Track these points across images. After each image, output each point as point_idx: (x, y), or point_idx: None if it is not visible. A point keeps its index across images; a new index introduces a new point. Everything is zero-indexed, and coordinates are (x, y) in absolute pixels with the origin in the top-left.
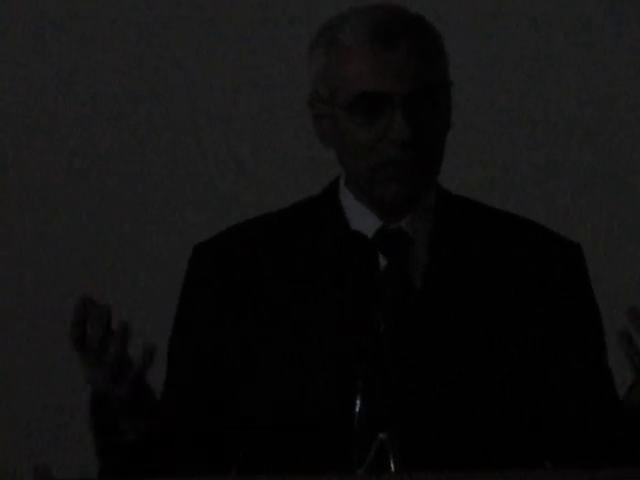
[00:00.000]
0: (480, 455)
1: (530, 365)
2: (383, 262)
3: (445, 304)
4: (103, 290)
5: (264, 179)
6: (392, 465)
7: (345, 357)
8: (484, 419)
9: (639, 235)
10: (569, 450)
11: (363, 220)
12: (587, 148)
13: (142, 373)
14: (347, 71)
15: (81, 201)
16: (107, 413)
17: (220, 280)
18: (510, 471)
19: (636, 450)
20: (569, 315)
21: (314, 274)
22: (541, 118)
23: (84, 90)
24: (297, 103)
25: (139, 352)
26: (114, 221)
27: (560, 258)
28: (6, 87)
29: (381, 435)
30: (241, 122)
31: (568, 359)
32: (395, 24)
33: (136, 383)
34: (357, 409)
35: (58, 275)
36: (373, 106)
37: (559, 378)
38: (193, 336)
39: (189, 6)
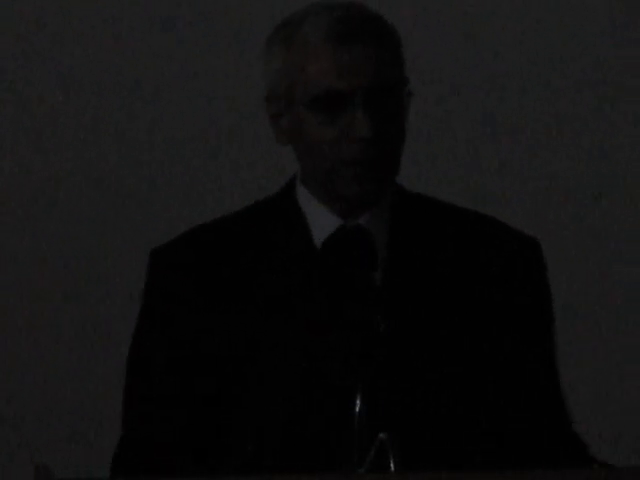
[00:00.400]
0: (473, 453)
1: (485, 362)
2: (342, 260)
3: (405, 301)
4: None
5: (266, 178)
6: (392, 465)
7: (345, 357)
8: (468, 416)
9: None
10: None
11: (322, 218)
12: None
13: None
14: (308, 68)
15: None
16: None
17: (184, 284)
18: (510, 471)
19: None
20: (523, 310)
21: (276, 274)
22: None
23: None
24: None
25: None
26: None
27: (518, 253)
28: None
29: (381, 435)
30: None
31: (518, 356)
32: (355, 22)
33: None
34: (357, 409)
35: (57, 277)
36: (335, 104)
37: (509, 376)
38: (166, 346)
39: (191, 6)
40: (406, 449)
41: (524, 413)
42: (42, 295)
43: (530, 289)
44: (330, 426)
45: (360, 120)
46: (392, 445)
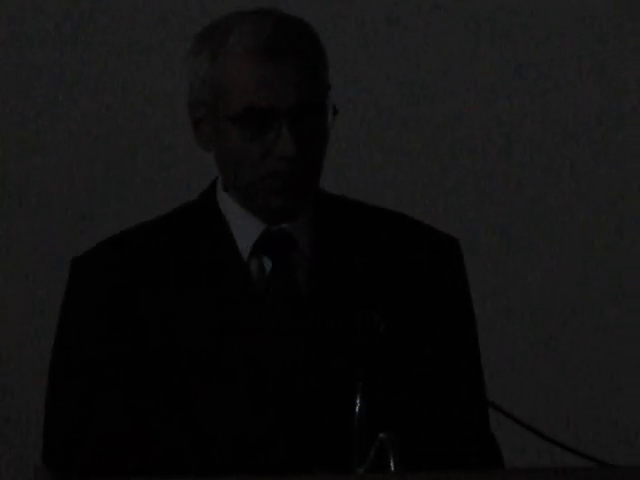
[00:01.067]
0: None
1: (411, 362)
2: (268, 264)
3: (331, 304)
4: None
5: None
6: (392, 465)
7: (344, 357)
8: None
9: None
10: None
11: (245, 224)
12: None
13: None
14: (233, 82)
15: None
16: None
17: (107, 292)
18: (510, 471)
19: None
20: (444, 309)
21: (201, 281)
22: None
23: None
24: None
25: None
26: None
27: (438, 253)
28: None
29: (381, 435)
30: None
31: (441, 356)
32: (283, 36)
33: None
34: (357, 409)
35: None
36: (259, 119)
37: (435, 375)
38: (88, 356)
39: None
40: (406, 449)
41: (447, 410)
42: (42, 295)
43: (451, 287)
44: (330, 426)
45: (285, 139)
46: (392, 445)
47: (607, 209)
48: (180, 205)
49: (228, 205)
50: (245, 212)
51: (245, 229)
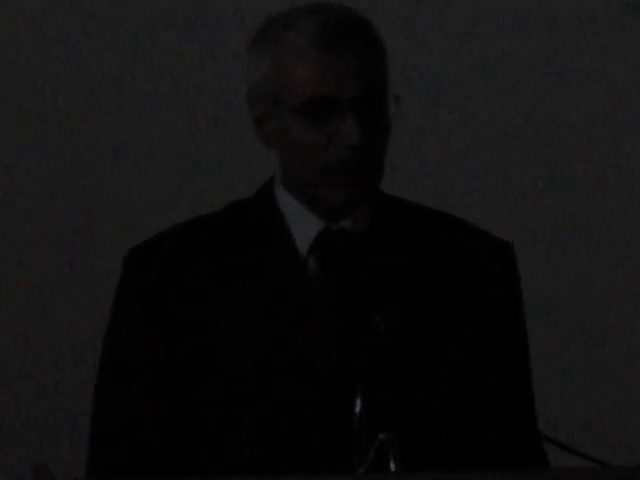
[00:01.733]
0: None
1: (462, 365)
2: (325, 263)
3: (393, 303)
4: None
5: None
6: (392, 465)
7: (346, 357)
8: (454, 416)
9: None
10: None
11: (304, 221)
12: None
13: None
14: (296, 73)
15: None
16: None
17: (161, 283)
18: (510, 471)
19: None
20: (496, 314)
21: (258, 277)
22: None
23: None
24: None
25: None
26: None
27: (492, 257)
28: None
29: (381, 435)
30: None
31: (491, 360)
32: (345, 27)
33: None
34: (357, 409)
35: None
36: (323, 109)
37: (482, 380)
38: (142, 347)
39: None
40: (406, 449)
41: (495, 414)
42: (41, 295)
43: (503, 293)
44: (330, 426)
45: (348, 126)
46: (392, 445)
47: None
48: (233, 201)
49: (287, 202)
50: (304, 209)
51: (303, 226)
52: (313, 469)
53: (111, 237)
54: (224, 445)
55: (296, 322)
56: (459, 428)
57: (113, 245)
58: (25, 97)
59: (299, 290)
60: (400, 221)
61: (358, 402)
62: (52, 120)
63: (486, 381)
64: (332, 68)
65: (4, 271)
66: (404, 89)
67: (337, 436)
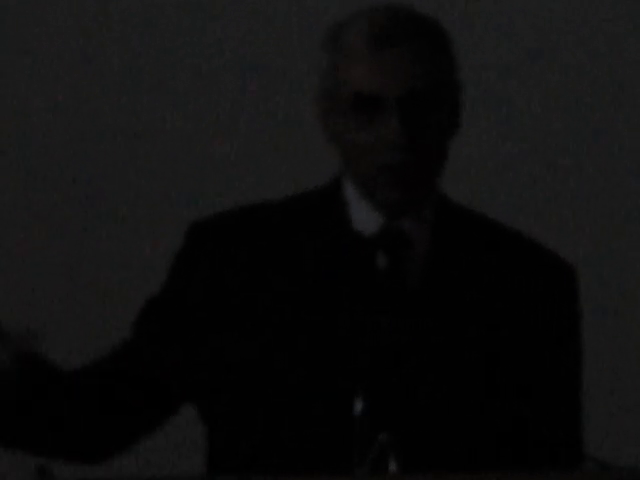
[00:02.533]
0: (475, 456)
1: (512, 379)
2: (382, 261)
3: (439, 307)
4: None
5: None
6: (392, 465)
7: (345, 357)
8: (473, 421)
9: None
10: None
11: (366, 217)
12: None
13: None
14: (346, 72)
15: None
16: None
17: (215, 261)
18: (510, 471)
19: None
20: (552, 337)
21: (313, 269)
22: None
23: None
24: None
25: None
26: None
27: (553, 279)
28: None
29: (381, 435)
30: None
31: (542, 383)
32: (393, 25)
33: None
34: (357, 409)
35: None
36: (369, 108)
37: (530, 399)
38: (183, 312)
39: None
40: (406, 450)
41: (537, 433)
42: (42, 296)
43: (560, 316)
44: (330, 427)
45: (393, 125)
46: (392, 445)
47: None
48: (304, 190)
49: (352, 196)
50: (366, 204)
51: (365, 221)
52: (313, 469)
53: (111, 237)
54: (224, 445)
55: (347, 316)
56: (461, 430)
57: (112, 246)
58: (25, 96)
59: (352, 284)
60: (460, 227)
61: (358, 402)
62: (52, 119)
63: (528, 396)
64: (378, 67)
65: (4, 271)
66: None
67: (337, 436)
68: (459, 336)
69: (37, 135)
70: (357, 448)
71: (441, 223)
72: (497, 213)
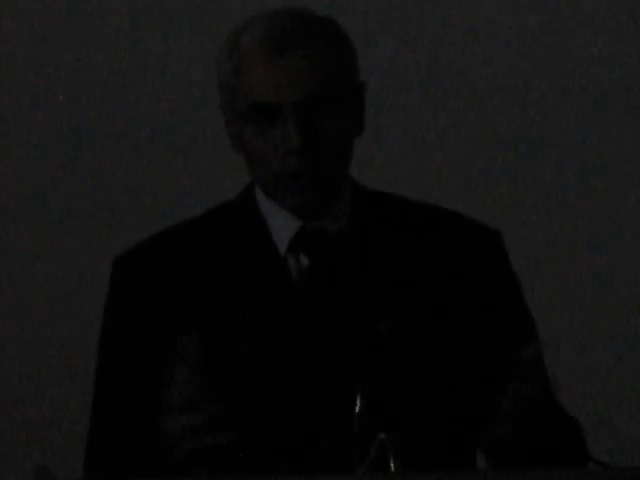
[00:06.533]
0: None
1: (462, 359)
2: (304, 261)
3: (372, 298)
4: None
5: None
6: (392, 465)
7: (345, 357)
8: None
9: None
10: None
11: (282, 221)
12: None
13: None
14: (241, 79)
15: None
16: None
17: (147, 291)
18: (510, 471)
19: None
20: (492, 299)
21: (241, 279)
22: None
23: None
24: None
25: None
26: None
27: (479, 244)
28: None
29: (381, 435)
30: None
31: (494, 347)
32: (289, 30)
33: None
34: (357, 409)
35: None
36: (266, 116)
37: (484, 366)
38: (134, 354)
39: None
40: (406, 449)
41: (512, 402)
42: (42, 295)
43: (496, 279)
44: (330, 426)
45: (290, 132)
46: (392, 445)
47: None
48: (219, 203)
49: (265, 203)
50: (280, 209)
51: (281, 226)
52: (313, 469)
53: (110, 238)
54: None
55: (277, 322)
56: (459, 427)
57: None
58: (24, 97)
59: (278, 289)
60: (380, 215)
61: (358, 402)
62: (51, 120)
63: (489, 373)
64: (272, 74)
65: (4, 271)
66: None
67: (337, 436)
68: (417, 328)
69: (31, 136)
70: (357, 448)
71: (360, 212)
72: (494, 211)
